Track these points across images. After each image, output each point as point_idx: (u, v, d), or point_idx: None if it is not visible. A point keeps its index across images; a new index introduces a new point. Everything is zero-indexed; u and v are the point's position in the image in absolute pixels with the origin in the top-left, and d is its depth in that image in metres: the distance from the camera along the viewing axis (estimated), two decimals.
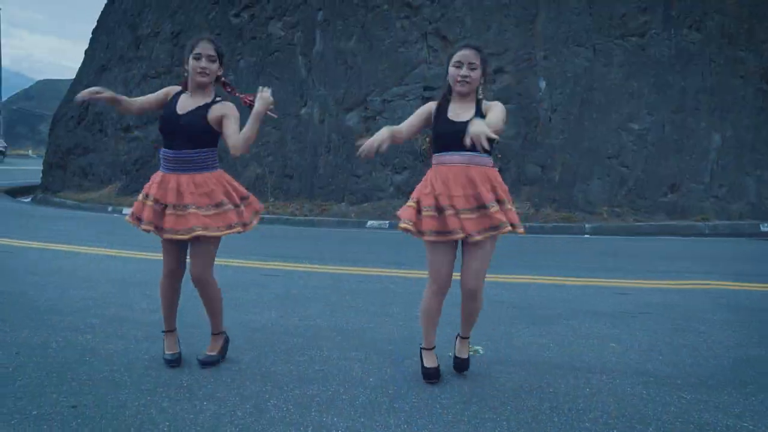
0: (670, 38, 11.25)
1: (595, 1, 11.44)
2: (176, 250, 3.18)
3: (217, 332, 3.34)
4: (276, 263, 6.58)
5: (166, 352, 3.27)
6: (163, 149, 3.13)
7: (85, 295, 4.82)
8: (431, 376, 3.08)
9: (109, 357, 3.35)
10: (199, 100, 3.11)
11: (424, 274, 6.00)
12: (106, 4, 18.32)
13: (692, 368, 3.36)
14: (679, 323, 4.28)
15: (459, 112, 2.97)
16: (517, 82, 11.54)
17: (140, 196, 3.17)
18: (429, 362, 3.11)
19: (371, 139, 2.81)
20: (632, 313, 4.53)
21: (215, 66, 3.07)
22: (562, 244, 8.63)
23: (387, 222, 11.13)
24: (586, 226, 10.46)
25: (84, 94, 2.89)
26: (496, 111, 2.87)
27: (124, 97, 3.10)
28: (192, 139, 3.07)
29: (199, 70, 3.03)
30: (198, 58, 3.03)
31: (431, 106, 3.09)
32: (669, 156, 11.12)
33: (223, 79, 3.20)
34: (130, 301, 4.67)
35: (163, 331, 3.33)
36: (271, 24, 13.61)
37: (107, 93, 2.94)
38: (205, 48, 3.03)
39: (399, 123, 3.21)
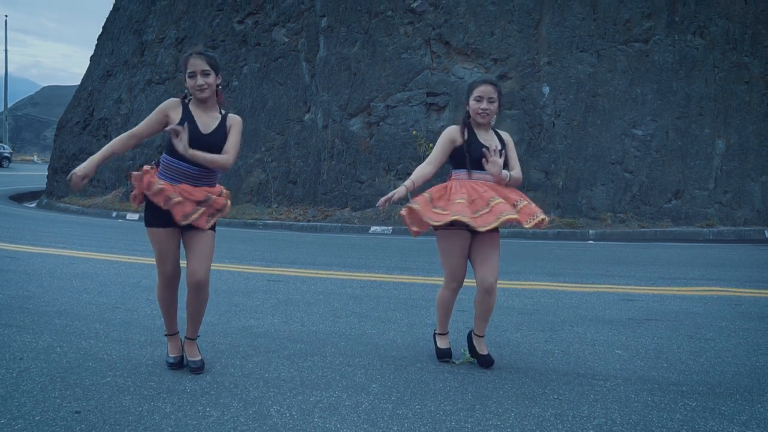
0: (674, 44, 11.25)
1: (598, 7, 11.46)
2: (176, 255, 3.20)
3: (194, 337, 3.31)
4: (279, 269, 6.58)
5: (170, 355, 3.32)
6: (182, 163, 3.07)
7: (92, 300, 4.82)
8: (445, 355, 3.52)
9: (113, 362, 3.35)
10: (214, 115, 3.20)
11: (427, 279, 6.01)
12: (111, 11, 18.44)
13: (698, 375, 3.34)
14: (685, 330, 4.26)
15: (487, 138, 3.42)
16: (520, 88, 11.55)
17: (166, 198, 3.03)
18: (443, 344, 3.56)
19: (389, 194, 3.21)
20: (638, 320, 4.51)
21: (211, 78, 3.11)
22: (566, 251, 8.61)
23: (390, 228, 11.13)
24: (590, 232, 10.44)
25: (75, 181, 2.92)
26: (515, 159, 3.49)
27: (116, 145, 3.07)
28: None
29: (197, 88, 3.08)
30: (192, 75, 3.07)
31: (452, 134, 3.41)
32: (673, 162, 11.10)
33: (219, 88, 3.21)
34: (135, 306, 4.67)
35: (165, 335, 3.37)
36: (275, 30, 13.67)
37: (91, 170, 2.95)
38: (196, 64, 3.06)
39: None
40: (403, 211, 3.32)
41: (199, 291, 3.15)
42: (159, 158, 3.20)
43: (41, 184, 20.58)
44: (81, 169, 2.95)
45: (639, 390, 3.10)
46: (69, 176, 2.98)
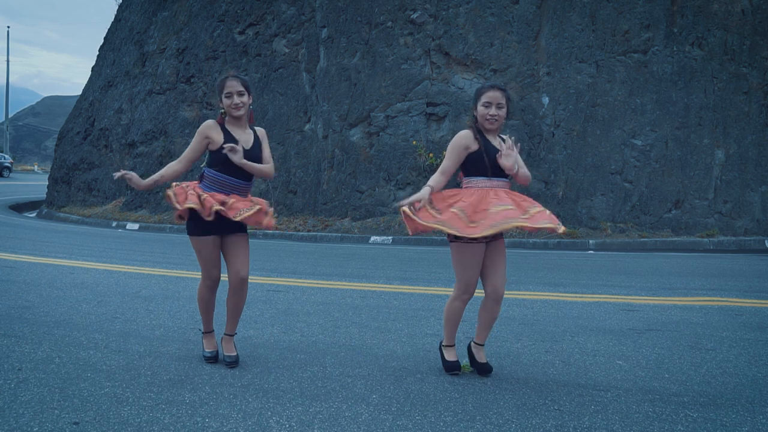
0: (673, 54, 11.30)
1: (597, 18, 11.53)
2: (219, 260, 3.52)
3: (233, 333, 3.62)
4: (279, 279, 6.57)
5: (206, 350, 3.61)
6: (229, 177, 3.37)
7: (91, 310, 4.81)
8: (453, 368, 3.46)
9: (111, 372, 3.34)
10: (248, 132, 3.51)
11: (427, 289, 6.01)
12: (112, 22, 18.55)
13: (700, 386, 3.32)
14: (687, 340, 4.24)
15: (496, 144, 3.36)
16: (520, 98, 11.59)
17: (208, 206, 3.28)
18: (451, 356, 3.51)
19: (412, 197, 3.15)
20: (639, 330, 4.50)
21: (245, 98, 3.42)
22: (566, 261, 8.60)
23: (390, 238, 11.12)
24: (590, 242, 10.43)
25: (124, 175, 3.25)
26: (520, 159, 3.39)
27: (167, 172, 3.39)
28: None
29: (233, 107, 3.39)
30: (230, 96, 3.38)
31: (466, 140, 3.31)
32: (673, 172, 11.11)
33: (250, 107, 3.50)
34: (134, 316, 4.66)
35: (202, 332, 3.66)
36: (275, 41, 13.74)
37: (147, 180, 3.32)
38: (233, 86, 3.38)
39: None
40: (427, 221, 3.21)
41: (243, 288, 3.51)
42: (202, 171, 3.46)
43: (41, 194, 20.59)
44: (134, 177, 3.27)
45: (640, 401, 3.09)
46: (122, 174, 3.25)
